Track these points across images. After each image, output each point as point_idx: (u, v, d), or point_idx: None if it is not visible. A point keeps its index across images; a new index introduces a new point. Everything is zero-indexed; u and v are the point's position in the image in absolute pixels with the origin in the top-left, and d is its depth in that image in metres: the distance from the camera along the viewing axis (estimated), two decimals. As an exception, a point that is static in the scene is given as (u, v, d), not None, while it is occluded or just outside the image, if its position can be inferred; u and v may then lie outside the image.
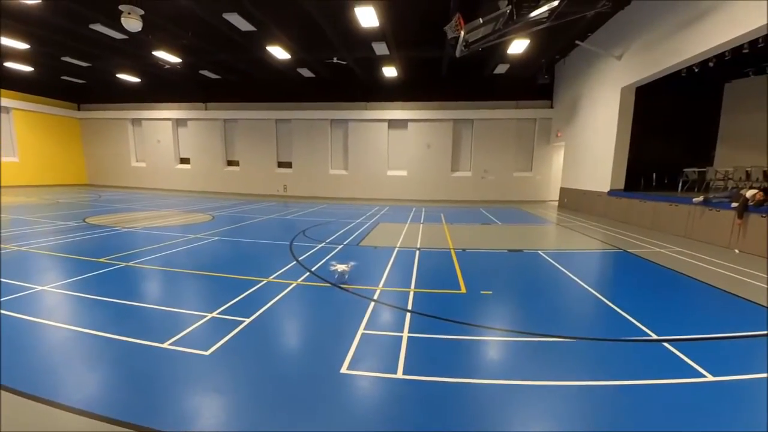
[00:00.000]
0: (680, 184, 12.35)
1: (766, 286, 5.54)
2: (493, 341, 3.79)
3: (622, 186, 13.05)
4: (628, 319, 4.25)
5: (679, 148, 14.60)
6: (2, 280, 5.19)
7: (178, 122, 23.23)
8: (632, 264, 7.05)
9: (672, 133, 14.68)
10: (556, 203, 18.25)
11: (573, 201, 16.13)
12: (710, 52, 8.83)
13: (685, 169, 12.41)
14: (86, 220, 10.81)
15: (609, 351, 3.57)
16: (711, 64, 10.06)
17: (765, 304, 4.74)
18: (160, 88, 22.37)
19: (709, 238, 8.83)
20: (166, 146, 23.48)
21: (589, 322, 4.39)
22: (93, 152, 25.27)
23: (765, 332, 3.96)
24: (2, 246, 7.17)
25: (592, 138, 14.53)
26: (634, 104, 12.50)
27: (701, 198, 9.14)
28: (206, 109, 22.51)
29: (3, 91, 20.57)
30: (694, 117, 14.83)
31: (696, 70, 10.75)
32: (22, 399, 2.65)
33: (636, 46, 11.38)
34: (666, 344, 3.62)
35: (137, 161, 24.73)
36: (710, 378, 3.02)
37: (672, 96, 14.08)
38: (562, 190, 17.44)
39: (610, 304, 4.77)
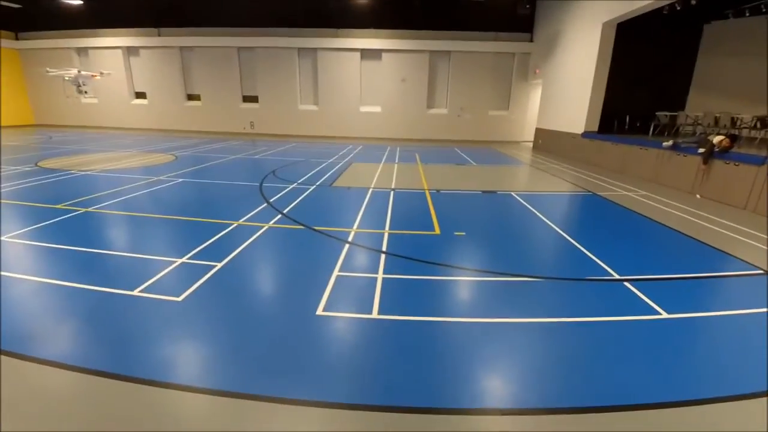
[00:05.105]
0: (651, 128, 12.47)
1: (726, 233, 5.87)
2: (465, 281, 3.90)
3: (596, 128, 13.10)
4: (593, 260, 4.43)
5: (655, 91, 14.52)
6: (-53, 225, 4.83)
7: (129, 51, 21.16)
8: (600, 206, 7.28)
9: (648, 75, 14.50)
10: (531, 144, 18.30)
11: (547, 142, 16.16)
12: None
13: (657, 113, 12.48)
14: (39, 164, 10.03)
15: (574, 289, 3.75)
16: (693, 2, 9.78)
17: (722, 249, 5.07)
18: (107, 11, 19.94)
19: (674, 183, 9.08)
20: (119, 79, 21.51)
21: (556, 263, 4.57)
22: (37, 88, 22.88)
23: (716, 273, 4.26)
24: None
25: (570, 77, 14.28)
26: (613, 44, 12.19)
27: (670, 142, 9.30)
28: (159, 35, 20.46)
29: None
30: (671, 59, 14.64)
31: (678, 8, 10.43)
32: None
33: (621, -23, 10.84)
34: (626, 284, 3.82)
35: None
36: (665, 315, 3.22)
37: (650, 37, 13.73)
38: (537, 131, 17.36)
39: (577, 245, 4.95)
